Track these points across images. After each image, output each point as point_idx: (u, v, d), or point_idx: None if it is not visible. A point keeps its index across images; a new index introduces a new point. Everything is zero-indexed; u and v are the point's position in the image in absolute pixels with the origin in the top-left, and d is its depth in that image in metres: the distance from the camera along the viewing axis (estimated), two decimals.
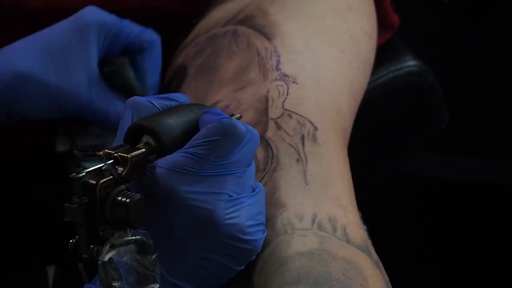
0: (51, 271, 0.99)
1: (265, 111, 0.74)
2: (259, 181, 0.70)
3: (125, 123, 0.66)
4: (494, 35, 1.75)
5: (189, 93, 0.80)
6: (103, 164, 0.62)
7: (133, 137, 0.65)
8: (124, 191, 0.61)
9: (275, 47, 0.79)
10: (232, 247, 0.63)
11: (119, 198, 0.61)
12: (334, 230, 0.67)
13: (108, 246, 0.61)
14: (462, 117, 1.55)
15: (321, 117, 0.74)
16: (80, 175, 0.60)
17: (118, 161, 0.62)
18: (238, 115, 0.68)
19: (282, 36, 0.80)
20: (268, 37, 0.80)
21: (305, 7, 0.83)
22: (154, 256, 0.62)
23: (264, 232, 0.65)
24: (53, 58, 0.74)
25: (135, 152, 0.63)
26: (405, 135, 1.13)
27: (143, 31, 0.77)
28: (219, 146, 0.63)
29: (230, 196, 0.63)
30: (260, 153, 0.72)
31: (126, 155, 0.62)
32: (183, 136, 0.65)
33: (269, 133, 0.73)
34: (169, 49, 0.90)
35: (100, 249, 0.61)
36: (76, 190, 0.61)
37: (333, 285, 0.62)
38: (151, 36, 0.78)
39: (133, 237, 0.61)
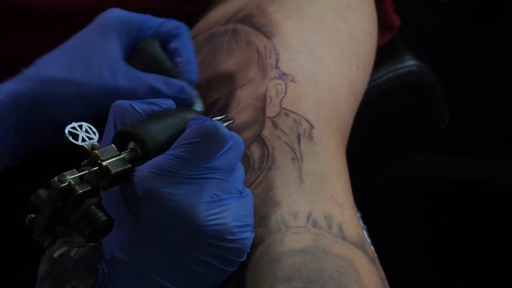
0: None
1: (263, 109, 0.74)
2: (254, 180, 0.70)
3: (109, 128, 0.67)
4: (494, 35, 1.75)
5: None
6: (87, 171, 0.63)
7: (119, 142, 0.65)
8: (95, 206, 0.63)
9: (274, 46, 0.79)
10: (219, 248, 0.63)
11: (89, 212, 0.62)
12: (330, 227, 0.67)
13: (61, 243, 0.64)
14: (462, 117, 1.55)
15: (318, 115, 0.74)
16: (62, 185, 0.62)
17: (101, 170, 0.63)
18: (231, 121, 0.69)
19: (282, 35, 0.80)
20: (267, 35, 0.80)
21: (305, 7, 0.83)
22: (102, 264, 0.65)
23: (252, 233, 0.65)
24: (77, 58, 0.75)
25: (120, 169, 0.63)
26: (405, 135, 1.13)
27: (167, 20, 0.76)
28: (201, 148, 0.63)
29: (212, 197, 0.63)
30: (256, 152, 0.72)
31: (111, 170, 0.63)
32: (169, 143, 0.65)
33: (265, 132, 0.73)
34: None
35: (51, 243, 0.64)
36: (52, 193, 0.62)
37: (326, 282, 0.62)
38: (176, 24, 0.77)
39: (87, 244, 0.65)
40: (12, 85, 0.76)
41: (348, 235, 0.67)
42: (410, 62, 1.08)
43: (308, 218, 0.67)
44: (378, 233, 0.91)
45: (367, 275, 0.65)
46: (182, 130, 0.66)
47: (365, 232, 0.85)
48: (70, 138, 0.66)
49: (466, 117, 1.72)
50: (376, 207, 1.43)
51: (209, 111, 0.76)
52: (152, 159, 0.64)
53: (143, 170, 0.63)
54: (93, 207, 0.62)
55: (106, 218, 0.62)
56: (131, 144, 0.65)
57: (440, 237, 1.80)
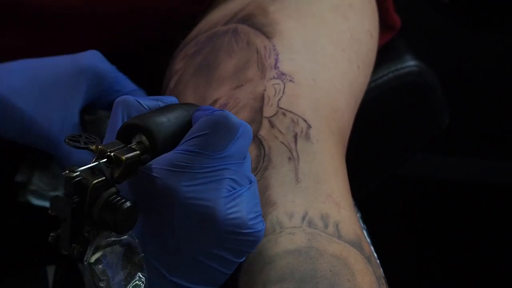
0: (51, 271, 0.99)
1: (261, 109, 0.75)
2: None
3: (116, 121, 0.65)
4: (494, 35, 1.75)
5: (188, 91, 0.81)
6: (96, 163, 0.61)
7: (125, 135, 0.64)
8: (115, 195, 0.60)
9: (274, 46, 0.79)
10: (235, 241, 0.63)
11: (110, 201, 0.60)
12: (326, 226, 0.67)
13: (93, 247, 0.60)
14: (462, 117, 1.55)
15: (316, 115, 0.74)
16: (74, 174, 0.59)
17: (111, 161, 0.61)
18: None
19: (282, 35, 0.80)
20: (267, 35, 0.80)
21: (306, 6, 0.83)
22: (141, 255, 0.62)
23: (263, 224, 0.65)
24: (40, 91, 0.74)
25: (129, 154, 0.62)
26: (405, 136, 1.13)
27: (136, 91, 0.76)
28: (213, 139, 0.62)
29: (229, 190, 0.62)
30: (253, 152, 0.72)
31: (121, 156, 0.61)
32: (176, 135, 0.64)
33: (262, 132, 0.73)
34: (169, 49, 0.90)
35: (81, 249, 0.61)
36: (67, 189, 0.60)
37: (318, 282, 0.62)
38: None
39: (118, 238, 0.61)
40: None
41: (344, 234, 0.67)
42: (410, 63, 1.08)
43: (303, 218, 0.67)
44: (378, 233, 0.91)
45: (361, 273, 0.65)
46: (187, 121, 0.65)
47: (365, 232, 0.85)
48: (71, 143, 0.64)
49: (466, 117, 1.72)
50: (376, 207, 1.42)
51: None
52: (163, 155, 0.63)
53: (155, 167, 0.62)
54: (113, 196, 0.60)
55: (130, 203, 0.60)
56: (137, 138, 0.64)
57: (440, 237, 1.80)
